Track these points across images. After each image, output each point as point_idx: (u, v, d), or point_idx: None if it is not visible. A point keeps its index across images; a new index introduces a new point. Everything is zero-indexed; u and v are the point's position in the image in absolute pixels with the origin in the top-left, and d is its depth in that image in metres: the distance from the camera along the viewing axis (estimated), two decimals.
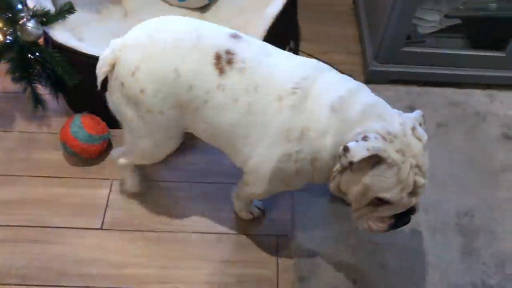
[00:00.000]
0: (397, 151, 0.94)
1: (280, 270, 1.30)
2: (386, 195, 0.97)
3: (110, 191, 1.43)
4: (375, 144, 0.93)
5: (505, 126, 1.65)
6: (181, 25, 1.10)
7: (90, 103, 1.47)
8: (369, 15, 1.85)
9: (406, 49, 1.66)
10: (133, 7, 1.73)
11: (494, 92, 1.74)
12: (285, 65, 1.06)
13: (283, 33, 1.64)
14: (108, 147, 1.51)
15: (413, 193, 0.98)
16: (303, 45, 1.84)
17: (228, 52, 1.04)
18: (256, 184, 1.14)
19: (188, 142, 1.55)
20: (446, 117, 1.66)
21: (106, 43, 1.45)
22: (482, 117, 1.68)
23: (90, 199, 1.41)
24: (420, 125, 1.01)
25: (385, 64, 1.69)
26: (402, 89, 1.73)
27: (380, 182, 0.96)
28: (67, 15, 1.42)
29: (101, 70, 1.12)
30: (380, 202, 0.99)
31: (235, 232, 1.37)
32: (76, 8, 1.44)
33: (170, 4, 1.76)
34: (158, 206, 1.41)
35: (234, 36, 1.07)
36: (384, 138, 0.94)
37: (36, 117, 1.58)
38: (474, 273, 1.31)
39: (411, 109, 1.63)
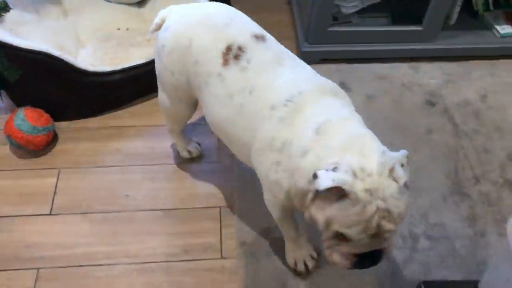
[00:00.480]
0: (366, 190, 0.89)
1: (224, 238, 1.39)
2: (347, 231, 0.92)
3: (58, 179, 1.49)
4: (342, 177, 0.88)
5: (428, 93, 1.79)
6: (220, 8, 1.21)
7: (33, 97, 1.54)
8: (299, 2, 1.97)
9: (333, 29, 1.79)
10: (72, 6, 1.79)
11: (417, 64, 1.89)
12: (290, 77, 1.06)
13: None
14: (53, 138, 1.57)
15: (378, 236, 0.93)
16: None
17: (239, 48, 1.08)
18: (264, 190, 1.17)
19: (131, 127, 1.64)
20: (375, 90, 1.79)
21: (44, 41, 1.53)
22: (407, 87, 1.81)
23: (38, 188, 1.47)
24: (403, 165, 0.93)
25: (315, 44, 1.82)
26: (333, 67, 1.85)
27: (342, 216, 0.91)
28: (2, 14, 1.48)
29: (154, 22, 1.25)
30: (342, 237, 0.94)
31: (179, 207, 1.45)
32: (13, 7, 1.51)
33: (109, 1, 1.83)
34: (104, 189, 1.48)
35: (257, 37, 1.11)
36: (354, 173, 0.89)
37: None
38: (402, 224, 1.42)
39: (343, 85, 1.76)
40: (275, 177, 1.05)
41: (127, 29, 1.76)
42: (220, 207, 1.45)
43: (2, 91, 1.57)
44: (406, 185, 0.92)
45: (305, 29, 1.81)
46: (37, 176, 1.50)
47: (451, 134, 1.66)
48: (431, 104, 1.76)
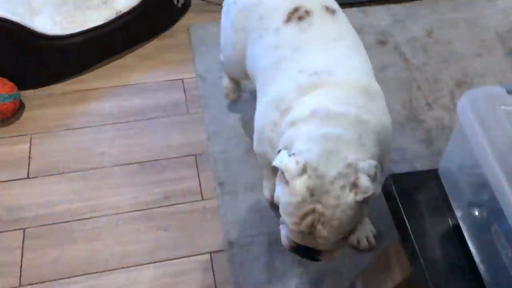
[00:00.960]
0: (307, 188, 0.86)
1: (202, 181, 1.45)
2: (284, 217, 0.91)
3: (31, 144, 1.50)
4: (289, 165, 0.86)
5: (379, 34, 1.89)
6: None
7: None
8: None
9: None
10: None
11: (367, 8, 1.99)
12: (336, 54, 1.05)
13: None
14: (20, 106, 1.57)
15: (313, 237, 0.90)
16: None
17: (306, 12, 1.08)
18: (254, 141, 1.16)
19: (96, 90, 1.66)
20: None
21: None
22: (359, 30, 1.89)
23: (11, 154, 1.48)
24: (371, 177, 0.87)
25: None
26: None
27: (282, 201, 0.91)
28: None
29: None
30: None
31: (155, 159, 1.50)
32: None
33: None
34: (78, 149, 1.50)
35: (327, 9, 1.10)
36: (305, 169, 0.86)
37: None
38: None
39: None
40: (270, 135, 1.05)
41: None
42: (195, 155, 1.51)
43: None
44: (367, 199, 0.87)
45: None
46: (9, 144, 1.50)
47: (403, 69, 1.77)
48: (382, 43, 1.86)
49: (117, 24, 1.65)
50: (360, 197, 0.85)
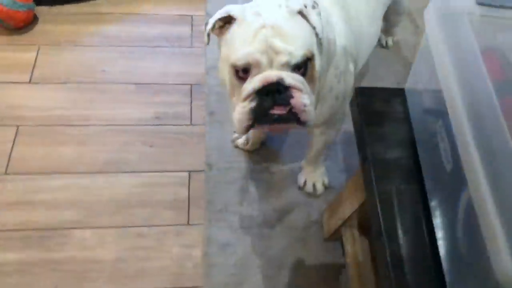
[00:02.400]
0: (254, 13, 0.89)
1: (193, 109, 1.49)
2: (235, 56, 0.88)
3: (38, 54, 1.57)
4: (230, 8, 0.90)
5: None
6: None
7: None
8: None
9: None
10: None
11: None
12: None
13: None
14: (33, 19, 1.64)
15: (273, 61, 0.87)
16: None
17: None
18: None
19: (109, 14, 1.70)
20: None
21: None
22: None
23: (18, 60, 1.55)
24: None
25: None
26: None
27: (230, 44, 0.90)
28: None
29: None
30: (238, 75, 0.90)
31: (152, 83, 1.54)
32: None
33: None
34: (81, 64, 1.56)
35: None
36: (245, 8, 0.91)
37: None
38: None
39: None
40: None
41: None
42: (191, 84, 1.55)
43: None
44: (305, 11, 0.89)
45: None
46: (17, 51, 1.57)
47: (411, 33, 1.78)
48: None
49: None
50: (297, 8, 0.88)
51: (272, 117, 0.89)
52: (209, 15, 1.71)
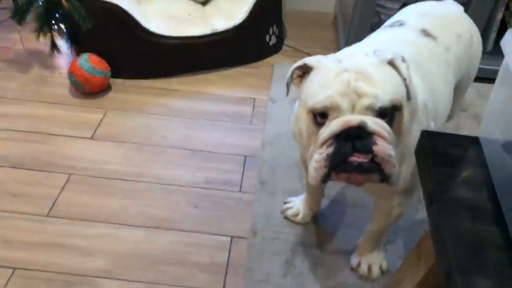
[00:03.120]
0: (334, 60, 0.87)
1: (245, 177, 1.44)
2: (313, 100, 0.84)
3: (104, 116, 1.64)
4: (305, 59, 0.91)
5: None
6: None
7: (96, 48, 1.74)
8: (343, 19, 2.17)
9: None
10: None
11: None
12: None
13: (266, 17, 1.94)
14: (107, 87, 1.74)
15: (355, 105, 0.81)
16: (288, 41, 2.14)
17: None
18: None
19: (177, 91, 1.79)
20: None
21: None
22: None
23: (84, 119, 1.62)
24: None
25: None
26: None
27: (308, 89, 0.88)
28: None
29: None
30: (316, 122, 0.85)
31: (207, 150, 1.53)
32: None
33: None
34: (143, 129, 1.60)
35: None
36: (320, 57, 0.91)
37: (49, 64, 1.86)
38: None
39: None
40: None
41: (189, 14, 1.99)
42: (245, 156, 1.53)
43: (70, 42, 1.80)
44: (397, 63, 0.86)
45: (346, 40, 1.97)
46: (86, 112, 1.65)
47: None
48: None
49: (209, 39, 1.83)
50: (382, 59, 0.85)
51: (351, 165, 0.81)
52: (271, 99, 1.75)
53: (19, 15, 1.78)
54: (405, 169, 0.97)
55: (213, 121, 1.66)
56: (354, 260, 1.21)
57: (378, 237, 1.16)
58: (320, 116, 0.84)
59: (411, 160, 0.96)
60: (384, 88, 0.81)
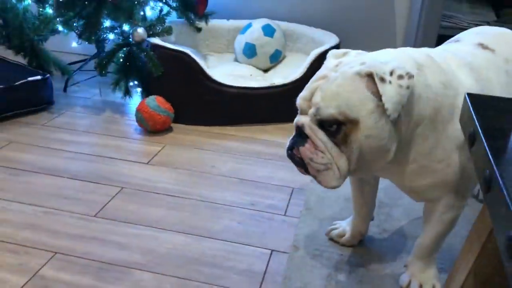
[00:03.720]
0: (326, 66, 0.96)
1: (291, 204, 1.41)
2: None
3: (162, 148, 1.72)
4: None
5: None
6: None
7: (163, 93, 1.89)
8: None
9: None
10: (210, 63, 2.27)
11: None
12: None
13: None
14: (168, 127, 1.85)
15: (306, 113, 0.92)
16: None
17: None
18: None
19: (234, 135, 1.86)
20: None
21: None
22: None
23: (144, 150, 1.71)
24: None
25: None
26: None
27: None
28: (166, 34, 1.98)
29: None
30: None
31: (256, 180, 1.54)
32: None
33: (239, 62, 2.28)
34: (196, 159, 1.65)
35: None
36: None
37: (121, 109, 2.04)
38: None
39: None
40: None
41: (251, 75, 2.14)
42: (293, 188, 1.51)
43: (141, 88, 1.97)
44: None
45: None
46: (146, 145, 1.74)
47: None
48: None
49: (267, 91, 1.93)
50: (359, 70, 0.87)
51: (292, 156, 0.95)
52: None
53: (102, 67, 2.01)
54: (444, 167, 0.94)
55: (264, 159, 1.68)
56: (404, 279, 1.10)
57: (430, 252, 1.06)
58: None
59: (452, 158, 0.94)
60: (329, 102, 0.88)
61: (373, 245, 1.24)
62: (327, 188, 0.95)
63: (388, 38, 2.30)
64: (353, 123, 0.87)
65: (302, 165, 0.93)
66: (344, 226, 1.25)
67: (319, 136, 0.90)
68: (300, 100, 0.94)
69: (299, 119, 0.93)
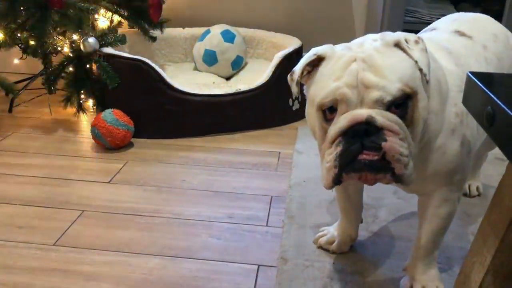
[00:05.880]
0: (344, 47, 0.83)
1: (271, 213, 1.31)
2: (321, 94, 0.80)
3: (124, 166, 1.58)
4: (314, 49, 0.86)
5: None
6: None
7: (121, 106, 1.75)
8: None
9: None
10: (169, 74, 2.15)
11: None
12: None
13: (286, 80, 1.96)
14: (128, 143, 1.71)
15: (364, 99, 0.76)
16: None
17: None
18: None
19: (200, 146, 1.74)
20: None
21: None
22: None
23: (104, 168, 1.56)
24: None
25: None
26: None
27: (317, 82, 0.83)
28: (119, 44, 1.84)
29: None
30: (325, 117, 0.81)
31: (231, 192, 1.43)
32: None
33: (200, 71, 2.17)
34: (162, 174, 1.52)
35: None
36: (332, 46, 0.86)
37: (74, 128, 1.87)
38: None
39: None
40: None
41: (214, 82, 2.03)
42: (271, 196, 1.41)
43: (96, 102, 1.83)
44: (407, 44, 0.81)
45: None
46: (106, 163, 1.59)
47: None
48: None
49: (233, 98, 1.82)
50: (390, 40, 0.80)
51: (361, 164, 0.76)
52: (297, 151, 1.68)
53: (50, 83, 1.85)
54: (439, 156, 0.88)
55: (236, 169, 1.57)
56: (404, 283, 1.02)
57: (429, 251, 0.99)
58: (329, 111, 0.80)
59: (447, 146, 0.87)
60: (392, 77, 0.76)
61: (365, 250, 1.15)
62: (404, 185, 0.78)
63: (350, 36, 2.27)
64: (414, 94, 0.78)
65: (378, 168, 0.76)
66: (332, 232, 1.16)
67: (397, 122, 0.76)
68: (343, 90, 0.77)
69: (357, 112, 0.76)
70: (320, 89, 0.81)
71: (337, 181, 0.79)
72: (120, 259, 1.11)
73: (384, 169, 0.76)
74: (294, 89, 0.89)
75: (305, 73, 0.88)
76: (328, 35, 2.35)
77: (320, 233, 1.18)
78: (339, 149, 0.77)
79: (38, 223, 1.25)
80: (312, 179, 1.49)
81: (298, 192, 1.41)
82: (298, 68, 0.87)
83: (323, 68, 0.84)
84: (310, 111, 0.86)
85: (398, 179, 0.77)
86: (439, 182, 0.91)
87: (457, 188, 0.93)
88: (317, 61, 0.85)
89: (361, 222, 1.17)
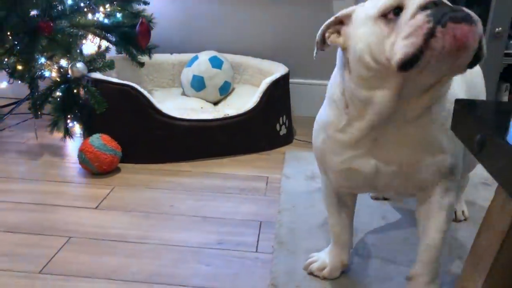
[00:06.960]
0: None
1: (261, 239, 1.30)
2: (380, 2, 0.80)
3: (111, 191, 1.56)
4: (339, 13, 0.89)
5: None
6: None
7: (109, 131, 1.74)
8: None
9: None
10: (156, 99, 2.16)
11: None
12: None
13: (274, 106, 1.98)
14: (115, 168, 1.70)
15: None
16: (298, 137, 2.15)
17: None
18: None
19: (188, 171, 1.74)
20: None
21: None
22: None
23: (91, 194, 1.54)
24: None
25: None
26: None
27: (367, 8, 0.83)
28: (107, 69, 1.85)
29: None
30: (388, 24, 0.78)
31: (220, 217, 1.42)
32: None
33: (188, 96, 2.18)
34: (150, 200, 1.51)
35: None
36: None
37: (60, 152, 1.86)
38: None
39: None
40: None
41: (201, 107, 2.04)
42: (260, 221, 1.40)
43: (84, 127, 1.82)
44: None
45: None
46: (93, 188, 1.58)
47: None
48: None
49: (221, 123, 1.83)
50: None
51: (458, 15, 0.71)
52: (286, 176, 1.69)
53: (37, 107, 1.83)
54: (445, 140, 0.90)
55: (226, 194, 1.57)
56: None
57: (438, 252, 0.97)
58: (394, 13, 0.77)
59: (450, 131, 0.88)
60: None
61: (356, 275, 1.15)
62: (479, 62, 0.76)
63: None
64: None
65: (474, 21, 0.72)
66: (323, 258, 1.16)
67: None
68: None
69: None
70: (373, 6, 0.80)
71: (428, 37, 0.71)
72: (108, 286, 1.09)
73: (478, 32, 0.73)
74: (316, 50, 0.97)
75: (328, 35, 0.90)
76: (315, 62, 2.38)
77: (311, 259, 1.17)
78: (428, 11, 0.73)
79: (23, 250, 1.22)
80: (301, 204, 1.49)
81: (287, 217, 1.41)
82: (319, 33, 0.91)
83: (358, 14, 0.84)
84: (362, 31, 0.82)
85: (477, 58, 0.74)
86: (441, 172, 0.92)
87: (455, 178, 0.94)
88: (342, 21, 0.88)
89: (352, 247, 1.17)
